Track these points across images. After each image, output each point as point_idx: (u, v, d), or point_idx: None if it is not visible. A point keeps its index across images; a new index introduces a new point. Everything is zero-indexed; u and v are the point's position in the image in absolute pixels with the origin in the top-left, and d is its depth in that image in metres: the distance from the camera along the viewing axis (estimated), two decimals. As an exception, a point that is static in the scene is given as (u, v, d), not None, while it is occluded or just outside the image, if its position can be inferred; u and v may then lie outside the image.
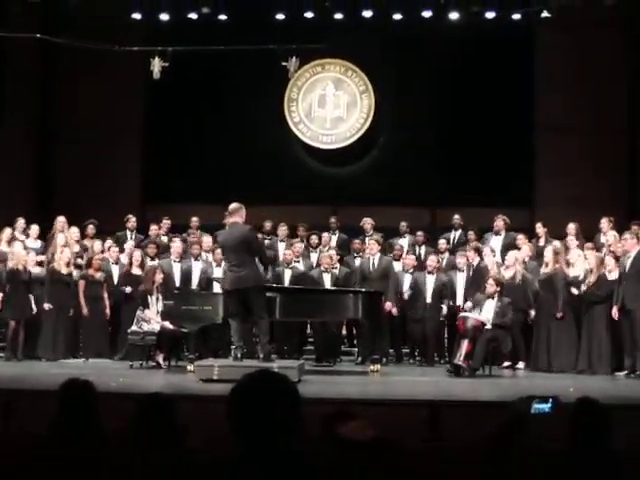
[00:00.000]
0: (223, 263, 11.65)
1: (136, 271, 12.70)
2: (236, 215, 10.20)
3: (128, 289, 12.60)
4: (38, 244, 13.29)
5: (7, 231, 13.18)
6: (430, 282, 12.60)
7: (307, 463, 2.54)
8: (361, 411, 4.99)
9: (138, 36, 15.69)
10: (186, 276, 12.75)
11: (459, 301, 12.50)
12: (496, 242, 13.40)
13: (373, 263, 12.73)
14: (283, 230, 14.02)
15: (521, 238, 12.95)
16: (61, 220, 13.51)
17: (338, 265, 12.76)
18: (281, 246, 13.70)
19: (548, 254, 12.01)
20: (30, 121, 16.84)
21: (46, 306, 12.44)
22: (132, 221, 14.23)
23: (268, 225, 14.10)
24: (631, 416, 6.78)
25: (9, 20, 14.97)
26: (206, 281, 12.49)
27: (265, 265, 11.22)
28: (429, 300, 12.54)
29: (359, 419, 4.73)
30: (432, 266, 12.66)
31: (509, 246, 12.98)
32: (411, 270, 12.81)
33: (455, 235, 14.15)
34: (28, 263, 12.50)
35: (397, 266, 12.98)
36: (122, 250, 13.34)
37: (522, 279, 12.03)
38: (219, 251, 12.43)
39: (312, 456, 2.62)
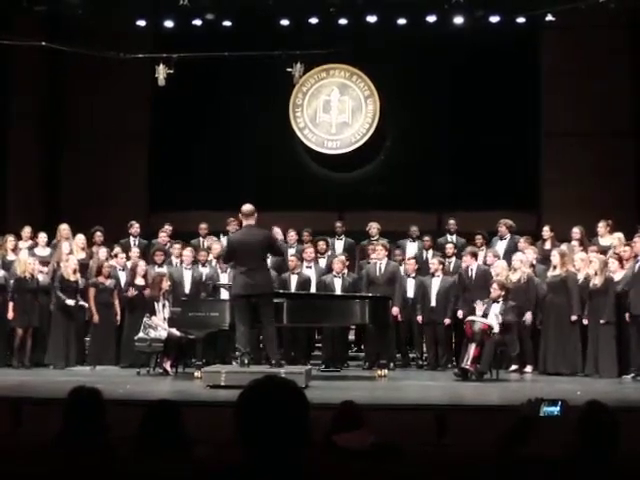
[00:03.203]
0: (229, 268, 11.68)
1: (140, 281, 12.75)
2: (251, 218, 10.16)
3: (130, 292, 12.67)
4: (47, 252, 13.30)
5: (11, 239, 13.18)
6: (435, 285, 12.61)
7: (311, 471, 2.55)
8: (368, 416, 5.01)
9: (143, 43, 15.74)
10: (197, 283, 12.77)
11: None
12: (501, 246, 13.39)
13: (380, 268, 12.73)
14: (292, 236, 13.97)
15: (523, 241, 12.95)
16: (65, 228, 13.53)
17: (346, 270, 12.77)
18: (290, 252, 13.64)
19: (555, 257, 12.00)
20: (36, 129, 16.88)
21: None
22: (135, 227, 14.23)
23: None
24: (638, 419, 6.75)
25: (15, 28, 15.00)
26: (212, 288, 12.49)
27: (281, 267, 11.22)
28: (434, 304, 12.56)
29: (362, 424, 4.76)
30: (434, 269, 12.68)
31: (512, 249, 12.98)
32: (413, 275, 12.83)
33: (452, 240, 14.10)
34: (35, 271, 12.52)
35: (402, 271, 12.99)
36: (129, 257, 13.34)
37: (528, 282, 12.03)
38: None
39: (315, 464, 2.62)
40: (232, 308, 10.90)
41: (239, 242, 10.19)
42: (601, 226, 12.92)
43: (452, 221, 14.46)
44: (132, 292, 12.69)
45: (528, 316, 11.92)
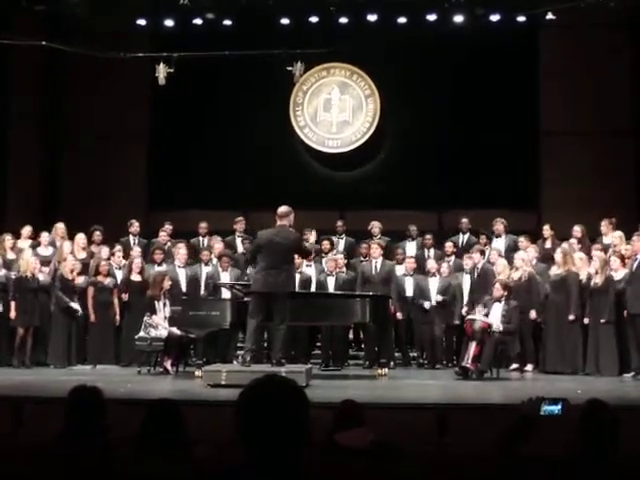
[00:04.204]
0: (250, 268, 11.62)
1: (136, 278, 12.76)
2: (285, 219, 10.19)
3: (124, 296, 12.77)
4: (49, 251, 13.28)
5: (9, 238, 13.16)
6: (433, 285, 12.61)
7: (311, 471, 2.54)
8: (369, 415, 5.01)
9: (143, 42, 15.76)
10: (193, 282, 12.77)
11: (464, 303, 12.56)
12: (499, 245, 13.40)
13: (375, 267, 12.74)
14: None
15: (523, 240, 12.95)
16: (61, 227, 13.53)
17: (345, 269, 12.78)
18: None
19: (558, 256, 11.99)
20: (36, 129, 16.88)
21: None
22: (135, 226, 14.24)
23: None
24: (639, 418, 6.75)
25: (15, 28, 15.00)
26: (213, 287, 12.49)
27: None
28: (433, 303, 12.55)
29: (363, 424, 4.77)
30: (433, 270, 12.68)
31: (512, 248, 12.98)
32: (412, 273, 12.83)
33: (464, 239, 14.14)
34: (36, 270, 12.52)
35: (400, 270, 13.00)
36: (128, 256, 13.34)
37: (530, 281, 12.02)
38: (226, 258, 12.44)
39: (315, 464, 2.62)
40: (233, 307, 10.93)
41: (268, 240, 10.14)
42: (603, 225, 12.90)
43: (465, 220, 14.36)
44: (124, 296, 12.75)
45: (532, 314, 11.93)
